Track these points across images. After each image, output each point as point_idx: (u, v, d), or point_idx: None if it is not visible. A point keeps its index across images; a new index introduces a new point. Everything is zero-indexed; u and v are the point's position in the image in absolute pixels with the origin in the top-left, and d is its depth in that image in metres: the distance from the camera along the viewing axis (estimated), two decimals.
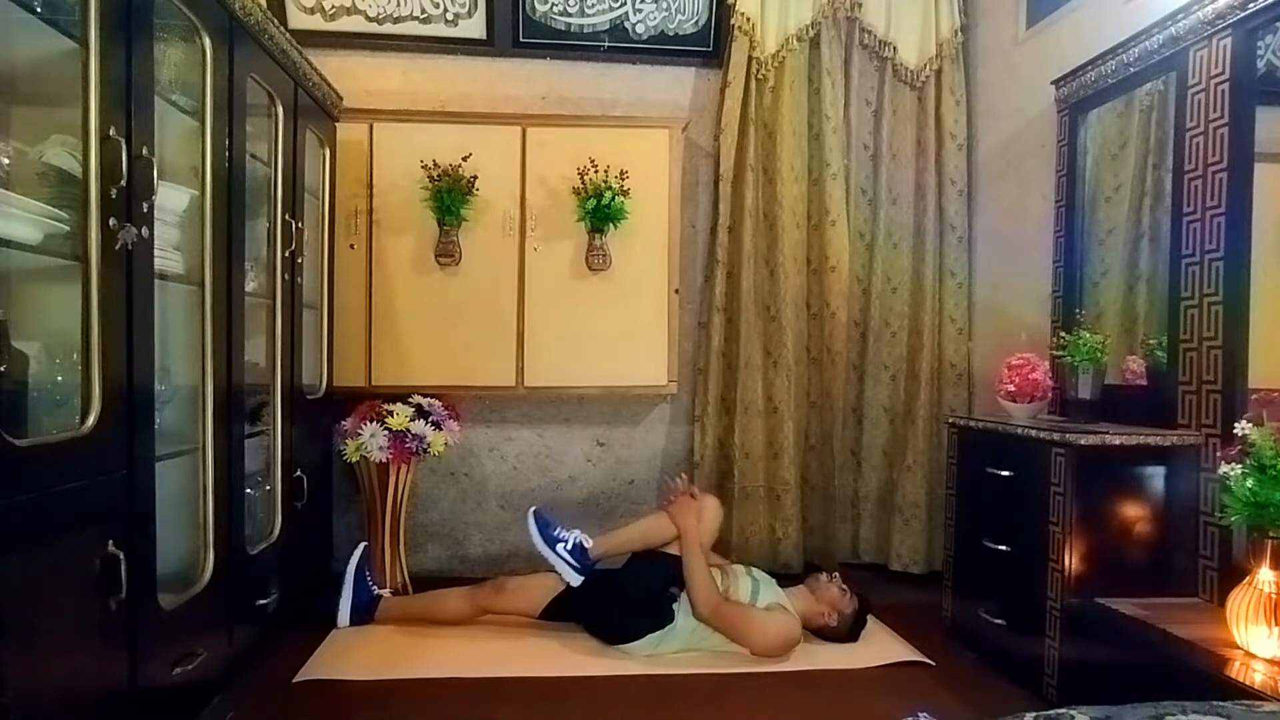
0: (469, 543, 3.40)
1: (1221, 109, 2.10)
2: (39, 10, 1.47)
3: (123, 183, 1.53)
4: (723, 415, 3.41)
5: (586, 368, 3.17)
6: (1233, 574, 1.92)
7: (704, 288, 3.42)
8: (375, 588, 2.75)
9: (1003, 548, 2.40)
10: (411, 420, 2.87)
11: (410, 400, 2.96)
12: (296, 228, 2.53)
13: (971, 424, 2.66)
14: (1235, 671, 1.66)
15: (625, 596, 2.55)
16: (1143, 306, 2.49)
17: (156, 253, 1.73)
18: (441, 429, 2.93)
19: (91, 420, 1.48)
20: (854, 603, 2.65)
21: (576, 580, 2.55)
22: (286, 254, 2.47)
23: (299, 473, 2.58)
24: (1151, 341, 2.41)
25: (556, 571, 2.57)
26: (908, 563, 3.37)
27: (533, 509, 2.65)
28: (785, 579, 3.30)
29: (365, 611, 2.66)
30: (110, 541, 1.51)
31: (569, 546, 2.56)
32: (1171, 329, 2.25)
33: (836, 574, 2.75)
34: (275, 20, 2.34)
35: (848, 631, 2.63)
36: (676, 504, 2.69)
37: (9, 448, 1.27)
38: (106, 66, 1.49)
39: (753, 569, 2.73)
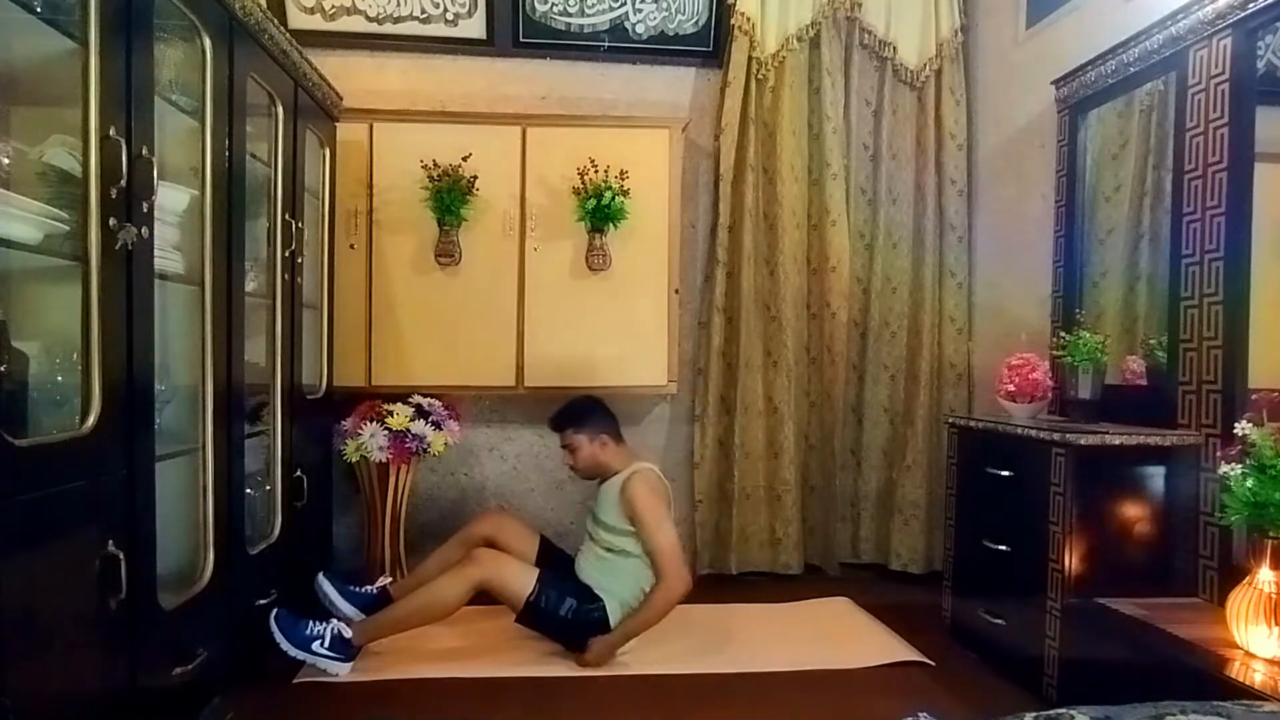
0: None
1: (1221, 109, 2.10)
2: (39, 10, 1.47)
3: (123, 183, 1.53)
4: (723, 415, 3.41)
5: (586, 368, 3.17)
6: (1233, 574, 1.92)
7: (704, 288, 3.42)
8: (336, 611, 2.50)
9: (1003, 548, 2.40)
10: (411, 420, 2.87)
11: (410, 400, 2.96)
12: (296, 228, 2.53)
13: (971, 424, 2.66)
14: (1235, 671, 1.66)
15: (562, 641, 2.49)
16: (1143, 306, 2.49)
17: (156, 253, 1.72)
18: (441, 429, 2.93)
19: (91, 420, 1.48)
20: (575, 441, 2.61)
21: (345, 670, 2.30)
22: (286, 254, 2.47)
23: (299, 473, 2.58)
24: (1151, 341, 2.41)
25: (319, 669, 2.29)
26: (907, 562, 3.37)
27: (274, 612, 2.29)
28: (784, 579, 3.34)
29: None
30: (110, 541, 1.51)
31: (326, 644, 2.28)
32: (1171, 329, 2.25)
33: (565, 448, 2.66)
34: (275, 20, 2.33)
35: (600, 424, 2.62)
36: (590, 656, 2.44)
37: (9, 448, 1.26)
38: (106, 66, 1.49)
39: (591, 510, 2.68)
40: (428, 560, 2.66)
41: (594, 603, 2.46)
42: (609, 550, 2.55)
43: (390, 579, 2.74)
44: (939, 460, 3.26)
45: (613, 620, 2.46)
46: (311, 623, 2.32)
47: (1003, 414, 2.58)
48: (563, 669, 2.40)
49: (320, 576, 2.52)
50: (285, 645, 2.27)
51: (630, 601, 2.51)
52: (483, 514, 2.70)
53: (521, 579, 2.44)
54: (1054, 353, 2.55)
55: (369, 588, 2.64)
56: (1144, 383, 2.43)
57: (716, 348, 3.37)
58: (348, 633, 2.33)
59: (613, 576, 2.52)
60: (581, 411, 2.65)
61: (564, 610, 2.44)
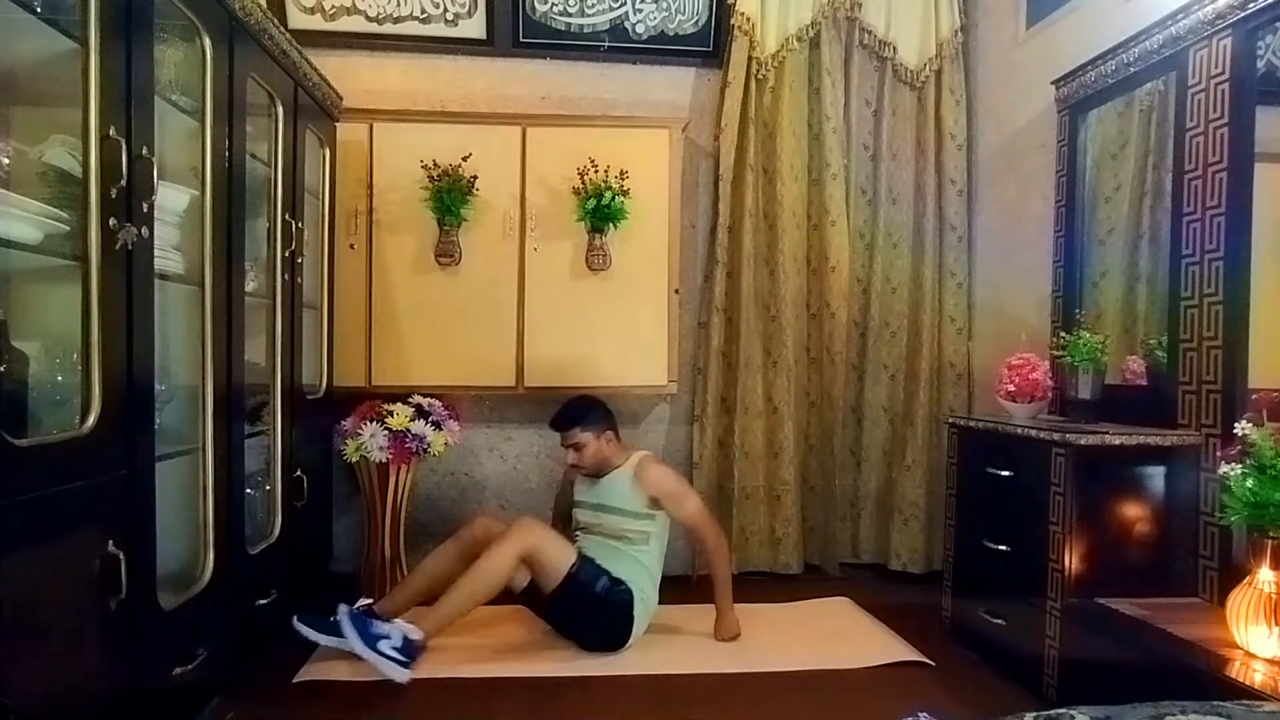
0: None
1: (1221, 109, 2.10)
2: (39, 10, 1.47)
3: (123, 183, 1.53)
4: (722, 415, 3.41)
5: (586, 368, 3.17)
6: (1233, 574, 1.92)
7: (704, 288, 3.42)
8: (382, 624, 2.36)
9: (1003, 548, 2.40)
10: (411, 420, 2.87)
11: (410, 400, 2.96)
12: (296, 228, 2.53)
13: (971, 424, 2.66)
14: (1235, 671, 1.66)
15: (588, 624, 2.52)
16: (1143, 306, 2.49)
17: (156, 253, 1.72)
18: (441, 429, 2.93)
19: (91, 420, 1.48)
20: (579, 438, 2.66)
21: (406, 677, 2.23)
22: (286, 254, 2.47)
23: (299, 473, 2.58)
24: (1151, 341, 2.41)
25: (381, 671, 2.23)
26: (907, 562, 3.37)
27: (348, 610, 2.27)
28: (784, 579, 3.33)
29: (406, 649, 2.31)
30: (110, 541, 1.51)
31: (396, 643, 2.25)
32: (1171, 329, 2.25)
33: (570, 450, 2.70)
34: (275, 20, 2.34)
35: (604, 421, 2.70)
36: (730, 632, 2.65)
37: (9, 448, 1.26)
38: (106, 66, 1.49)
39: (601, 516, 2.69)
40: (420, 568, 2.61)
41: (620, 584, 2.51)
42: (618, 539, 2.61)
43: (370, 600, 2.52)
44: (939, 460, 3.26)
45: (636, 606, 2.52)
46: (378, 621, 2.30)
47: (1003, 414, 2.58)
48: (563, 669, 2.40)
49: (296, 620, 2.35)
50: (355, 641, 2.23)
51: (644, 588, 2.57)
52: (474, 519, 2.68)
53: (564, 550, 2.49)
54: (1054, 353, 2.55)
55: (346, 611, 2.39)
56: (1144, 383, 2.43)
57: (716, 348, 3.37)
58: (416, 634, 2.29)
59: (624, 564, 2.57)
60: (586, 410, 2.70)
61: (599, 587, 2.48)
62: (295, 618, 2.37)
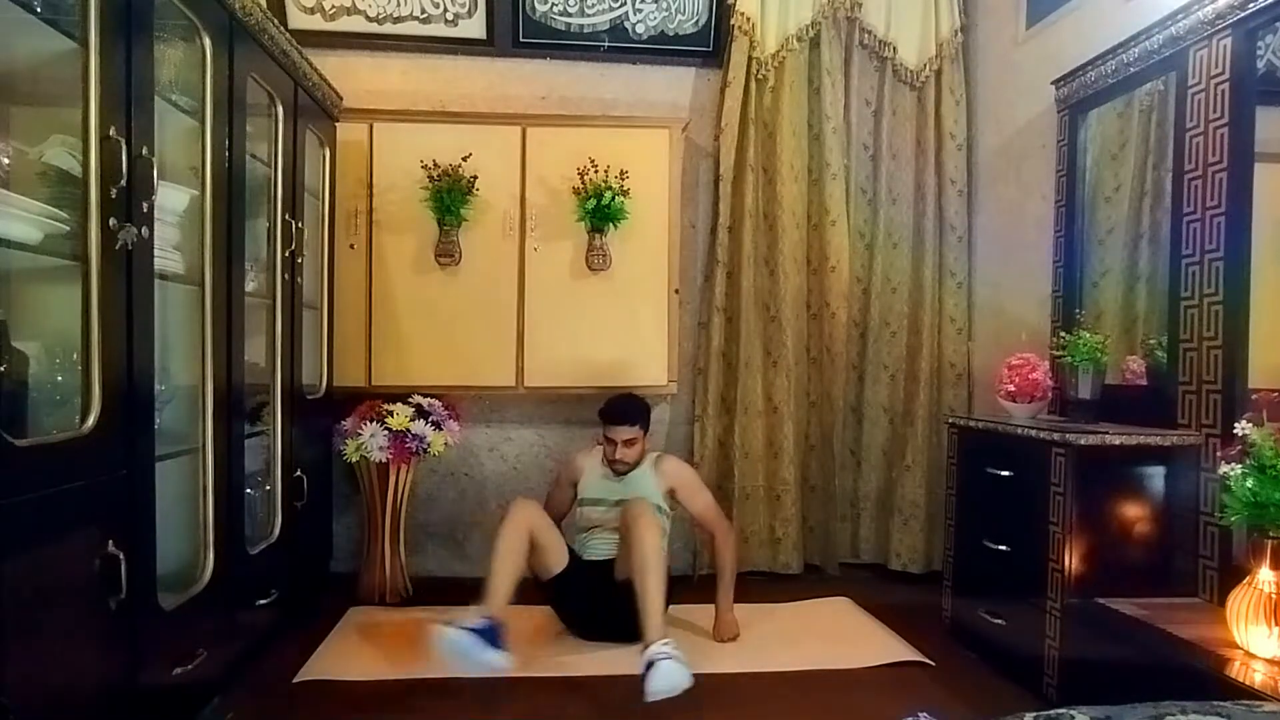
0: (469, 543, 3.40)
1: (1221, 109, 2.10)
2: (39, 10, 1.47)
3: (123, 183, 1.53)
4: (723, 415, 3.41)
5: (586, 368, 3.17)
6: (1233, 574, 1.92)
7: (704, 288, 3.42)
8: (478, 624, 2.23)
9: (1003, 548, 2.40)
10: (411, 420, 2.87)
11: (410, 400, 2.96)
12: (296, 228, 2.53)
13: (971, 424, 2.66)
14: (1235, 671, 1.66)
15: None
16: (1143, 306, 2.49)
17: (156, 253, 1.73)
18: (441, 429, 2.93)
19: (91, 420, 1.48)
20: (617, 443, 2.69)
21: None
22: (286, 254, 2.47)
23: (299, 473, 2.58)
24: (1151, 341, 2.41)
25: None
26: (906, 562, 3.37)
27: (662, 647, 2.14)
28: (784, 579, 3.33)
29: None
30: (110, 541, 1.51)
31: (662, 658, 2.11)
32: (1171, 329, 2.25)
33: (618, 445, 2.70)
34: (275, 20, 2.34)
35: (648, 423, 2.79)
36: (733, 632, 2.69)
37: (9, 448, 1.27)
38: (106, 66, 1.49)
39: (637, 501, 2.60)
40: (503, 558, 2.42)
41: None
42: None
43: (487, 616, 2.27)
44: (939, 460, 3.25)
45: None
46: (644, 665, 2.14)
47: (1003, 414, 2.58)
48: (564, 669, 2.41)
49: (456, 633, 2.17)
50: (661, 688, 2.06)
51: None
52: (516, 504, 2.56)
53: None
54: (1054, 353, 2.55)
55: (484, 623, 2.24)
56: (1144, 383, 2.43)
57: (716, 348, 3.37)
58: (674, 656, 2.12)
59: None
60: (644, 410, 2.79)
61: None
62: (454, 626, 2.18)
